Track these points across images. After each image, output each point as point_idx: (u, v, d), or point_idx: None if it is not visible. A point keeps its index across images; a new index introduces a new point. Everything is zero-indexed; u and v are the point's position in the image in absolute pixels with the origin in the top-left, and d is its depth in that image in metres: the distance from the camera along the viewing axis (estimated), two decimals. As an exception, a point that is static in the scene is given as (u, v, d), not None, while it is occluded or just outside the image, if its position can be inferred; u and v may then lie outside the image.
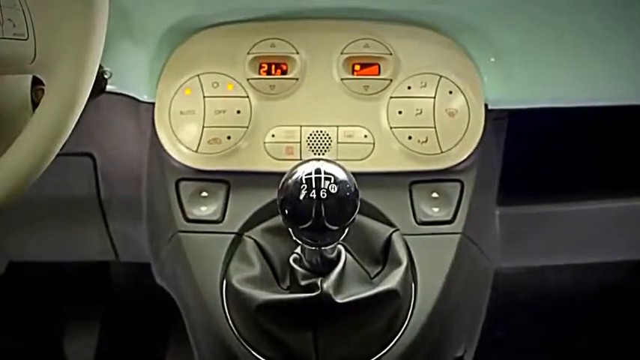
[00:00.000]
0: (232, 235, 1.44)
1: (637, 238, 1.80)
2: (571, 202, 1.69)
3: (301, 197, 1.18)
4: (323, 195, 1.18)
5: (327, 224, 1.19)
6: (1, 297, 2.29)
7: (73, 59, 1.15)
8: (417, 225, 1.46)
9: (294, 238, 1.26)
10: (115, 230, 1.73)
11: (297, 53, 1.51)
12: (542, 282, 2.29)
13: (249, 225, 1.45)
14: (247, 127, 1.47)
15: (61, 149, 1.18)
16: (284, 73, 1.50)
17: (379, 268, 1.42)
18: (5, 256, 1.98)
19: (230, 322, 1.39)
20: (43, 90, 1.19)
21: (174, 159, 1.49)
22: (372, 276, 1.41)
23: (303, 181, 1.19)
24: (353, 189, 1.21)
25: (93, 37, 1.16)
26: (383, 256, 1.42)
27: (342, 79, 1.50)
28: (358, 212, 1.23)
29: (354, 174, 1.24)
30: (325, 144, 1.47)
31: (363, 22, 1.52)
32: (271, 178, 1.33)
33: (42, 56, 1.15)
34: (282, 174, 1.24)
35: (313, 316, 1.32)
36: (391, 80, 1.49)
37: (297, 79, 1.50)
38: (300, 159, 1.44)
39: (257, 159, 1.47)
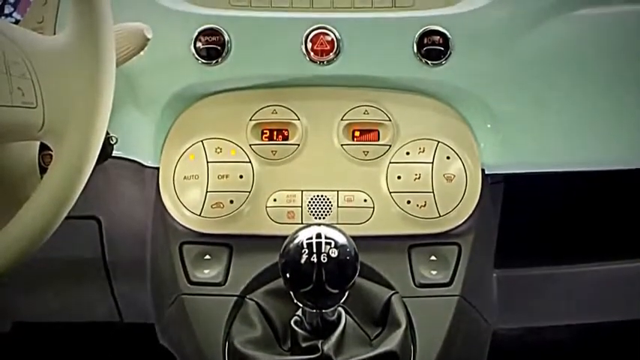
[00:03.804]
0: (235, 298, 1.46)
1: (634, 298, 1.80)
2: (568, 264, 1.70)
3: (302, 261, 1.21)
4: (324, 259, 1.20)
5: (327, 288, 1.22)
6: (4, 356, 2.30)
7: (81, 127, 1.17)
8: (415, 287, 1.47)
9: (296, 300, 1.28)
10: (119, 292, 1.73)
11: (299, 119, 1.53)
12: (540, 343, 2.28)
13: (251, 288, 1.46)
14: (250, 192, 1.50)
15: (67, 212, 1.20)
16: (285, 138, 1.53)
17: (379, 330, 1.43)
18: (10, 316, 1.99)
19: (232, 383, 1.40)
20: (50, 155, 1.21)
21: (178, 223, 1.51)
22: (372, 338, 1.42)
23: (304, 246, 1.22)
24: (353, 253, 1.24)
25: (100, 105, 1.19)
26: (382, 319, 1.43)
27: (342, 145, 1.52)
28: (358, 275, 1.25)
29: (354, 237, 1.27)
30: (326, 208, 1.49)
31: (362, 89, 1.55)
32: (273, 241, 1.36)
33: (50, 124, 1.17)
34: (283, 238, 1.27)
35: (314, 378, 1.33)
36: (390, 146, 1.52)
37: (298, 144, 1.52)
38: (302, 223, 1.48)
39: (259, 223, 1.50)
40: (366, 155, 1.52)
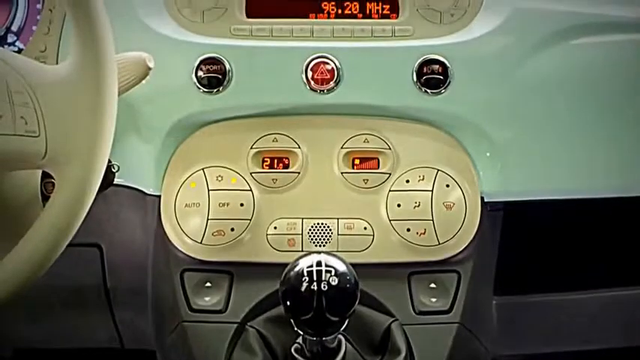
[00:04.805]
0: (235, 325, 1.46)
1: (634, 325, 1.80)
2: (567, 291, 1.70)
3: (303, 289, 1.21)
4: (324, 287, 1.21)
5: (327, 315, 1.22)
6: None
7: (83, 156, 1.18)
8: (415, 315, 1.48)
9: (296, 328, 1.28)
10: (120, 318, 1.74)
11: (299, 148, 1.54)
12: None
13: (251, 315, 1.47)
14: (250, 220, 1.51)
15: (69, 241, 1.21)
16: (286, 167, 1.54)
17: (379, 358, 1.43)
18: (11, 342, 1.98)
19: (233, 411, 1.40)
20: (52, 183, 1.22)
21: (179, 250, 1.52)
22: (372, 365, 1.43)
23: (305, 274, 1.22)
24: (353, 280, 1.24)
25: (102, 135, 1.19)
26: (382, 346, 1.44)
27: (342, 173, 1.53)
28: (358, 302, 1.26)
29: (354, 265, 1.27)
30: (326, 236, 1.50)
31: (362, 117, 1.56)
32: (273, 269, 1.36)
33: (53, 153, 1.18)
34: (284, 265, 1.27)
35: (314, 406, 1.33)
36: (390, 174, 1.53)
37: (298, 172, 1.54)
38: (302, 250, 1.48)
39: (260, 250, 1.51)
40: (366, 183, 1.53)
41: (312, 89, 1.53)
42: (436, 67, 1.51)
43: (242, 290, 1.50)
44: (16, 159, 1.19)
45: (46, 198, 1.40)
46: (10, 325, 1.83)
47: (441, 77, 1.51)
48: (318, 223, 1.51)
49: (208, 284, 1.51)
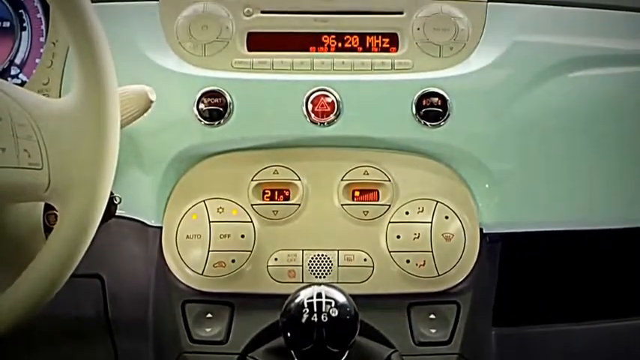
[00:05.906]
0: (236, 356, 1.47)
1: (634, 356, 1.80)
2: (566, 322, 1.70)
3: (303, 320, 1.22)
4: (324, 318, 1.22)
5: (328, 347, 1.23)
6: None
7: (86, 188, 1.18)
8: (415, 346, 1.48)
9: (296, 359, 1.29)
10: (121, 349, 1.73)
11: (299, 180, 1.55)
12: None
13: (252, 346, 1.47)
14: (251, 251, 1.51)
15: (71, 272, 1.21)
16: (286, 198, 1.55)
17: (379, 389, 1.44)
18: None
19: None
20: (55, 215, 1.23)
21: (180, 281, 1.53)
22: (372, 397, 1.43)
23: (305, 305, 1.23)
24: (353, 312, 1.25)
25: (105, 167, 1.20)
26: (382, 377, 1.44)
27: (342, 205, 1.54)
28: (358, 333, 1.26)
29: (354, 296, 1.28)
30: (326, 267, 1.51)
31: (362, 150, 1.57)
32: (274, 300, 1.38)
33: (56, 185, 1.18)
34: (284, 296, 1.28)
35: None
36: (390, 206, 1.54)
37: (299, 204, 1.54)
38: (302, 282, 1.49)
39: (260, 282, 1.51)
40: (365, 215, 1.53)
41: (312, 122, 1.53)
42: (435, 99, 1.52)
43: (243, 321, 1.50)
44: (19, 191, 1.19)
45: (48, 230, 1.40)
46: (11, 357, 1.83)
47: (440, 110, 1.52)
48: (318, 255, 1.52)
49: (209, 315, 1.51)
